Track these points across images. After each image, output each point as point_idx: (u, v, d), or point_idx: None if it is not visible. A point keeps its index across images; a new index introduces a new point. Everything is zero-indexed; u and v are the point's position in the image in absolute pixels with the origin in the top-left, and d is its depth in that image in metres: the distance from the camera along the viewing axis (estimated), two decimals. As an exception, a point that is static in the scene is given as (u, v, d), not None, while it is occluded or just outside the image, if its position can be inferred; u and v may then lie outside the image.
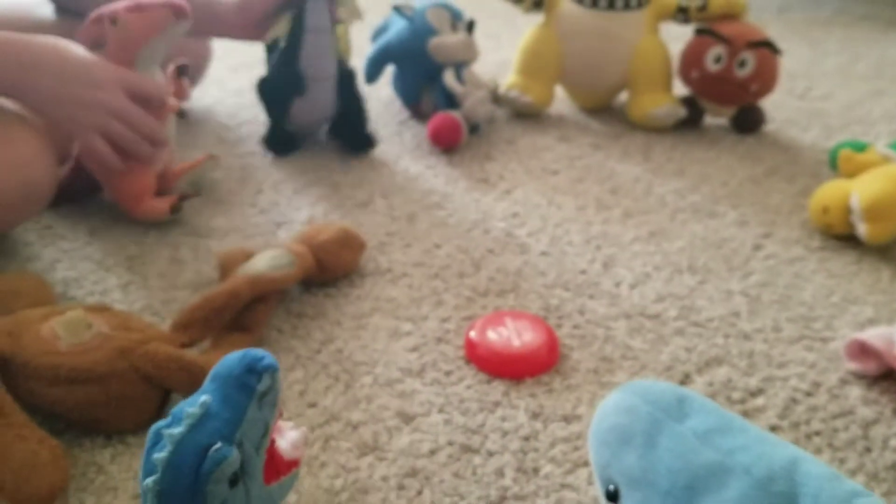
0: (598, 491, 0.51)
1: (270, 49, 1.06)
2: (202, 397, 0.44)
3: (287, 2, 1.01)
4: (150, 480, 0.39)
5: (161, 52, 0.90)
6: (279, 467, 0.49)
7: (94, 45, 0.87)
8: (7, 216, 0.80)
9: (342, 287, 0.81)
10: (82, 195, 0.95)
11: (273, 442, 0.49)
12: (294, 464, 0.50)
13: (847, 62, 1.47)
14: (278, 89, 1.05)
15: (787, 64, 1.43)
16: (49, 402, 0.61)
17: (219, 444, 0.40)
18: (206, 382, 0.46)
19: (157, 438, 0.42)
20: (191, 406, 0.43)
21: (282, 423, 0.51)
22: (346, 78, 1.07)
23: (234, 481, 0.39)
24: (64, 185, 0.90)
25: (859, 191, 0.85)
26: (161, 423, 0.43)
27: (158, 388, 0.62)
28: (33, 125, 0.81)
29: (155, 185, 0.92)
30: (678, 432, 0.48)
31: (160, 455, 0.39)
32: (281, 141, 1.09)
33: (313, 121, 1.10)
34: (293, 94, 1.04)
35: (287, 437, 0.51)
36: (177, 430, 0.40)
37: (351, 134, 1.10)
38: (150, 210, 0.90)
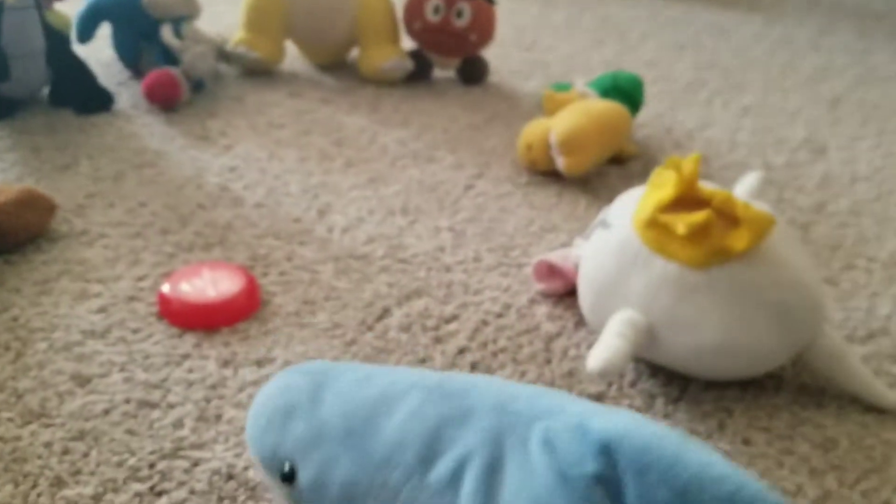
0: (269, 486, 0.47)
1: None
2: None
3: None
4: None
5: None
6: None
7: None
8: None
9: (27, 252, 0.75)
10: None
11: None
12: None
13: (574, 16, 1.54)
14: None
15: (518, 19, 1.49)
16: None
17: None
18: None
19: None
20: None
21: None
22: (56, 44, 1.00)
23: None
24: None
25: (556, 127, 0.89)
26: None
27: None
28: None
29: None
30: (340, 384, 0.46)
31: None
32: None
33: (25, 93, 1.03)
34: None
35: None
36: None
37: (82, 95, 1.04)
38: None
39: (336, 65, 1.23)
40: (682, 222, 0.58)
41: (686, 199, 0.61)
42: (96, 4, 1.11)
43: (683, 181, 0.61)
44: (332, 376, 0.47)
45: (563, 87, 1.01)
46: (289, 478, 0.45)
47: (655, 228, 0.60)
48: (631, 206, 0.64)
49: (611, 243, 0.63)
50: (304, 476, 0.44)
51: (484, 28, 1.14)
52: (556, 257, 0.71)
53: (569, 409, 0.42)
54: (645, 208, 0.61)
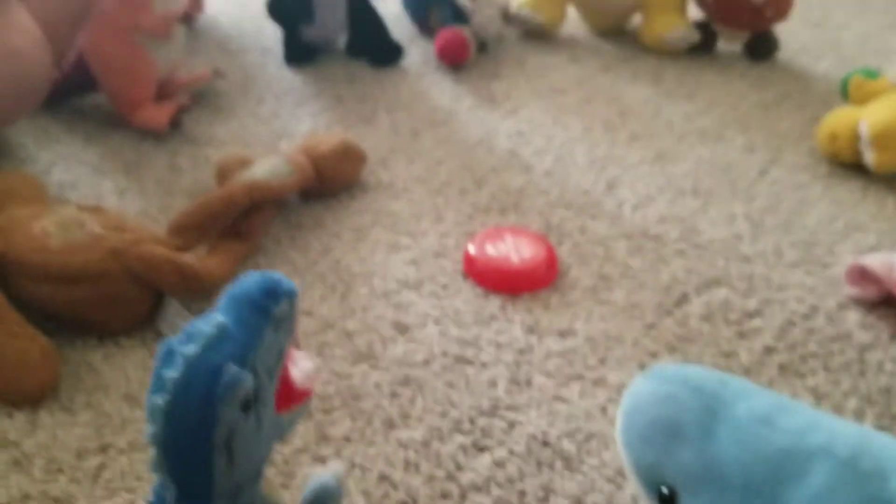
0: (641, 494, 0.45)
1: None
2: (218, 317, 0.42)
3: None
4: (159, 399, 0.38)
5: None
6: (291, 396, 0.47)
7: None
8: (1, 111, 0.78)
9: (342, 199, 0.81)
10: (80, 94, 0.93)
11: (286, 370, 0.47)
12: (306, 394, 0.48)
13: (867, -8, 1.42)
14: (287, 12, 1.05)
15: (806, -9, 1.39)
16: (39, 300, 0.60)
17: (233, 367, 0.39)
18: (222, 302, 0.44)
19: (169, 356, 0.40)
20: (206, 325, 0.41)
21: (296, 352, 0.50)
22: None
23: (246, 406, 0.38)
24: (62, 82, 0.87)
25: (868, 118, 0.83)
26: (173, 339, 0.41)
27: (151, 289, 0.62)
28: (27, 17, 0.78)
29: (154, 92, 0.90)
30: (736, 419, 0.42)
31: (171, 374, 0.38)
32: (298, 52, 1.08)
33: (325, 37, 1.10)
34: (302, 20, 1.05)
35: (301, 367, 0.50)
36: (190, 350, 0.39)
37: (375, 47, 1.10)
38: (148, 119, 0.88)
39: (615, 31, 1.21)
40: None
41: None
42: (394, -40, 1.16)
43: None
44: (724, 403, 0.43)
45: (871, 73, 0.94)
46: (667, 501, 0.43)
47: None
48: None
49: (955, 259, 0.58)
50: None
51: (782, 3, 1.08)
52: (875, 263, 0.67)
53: None
54: None
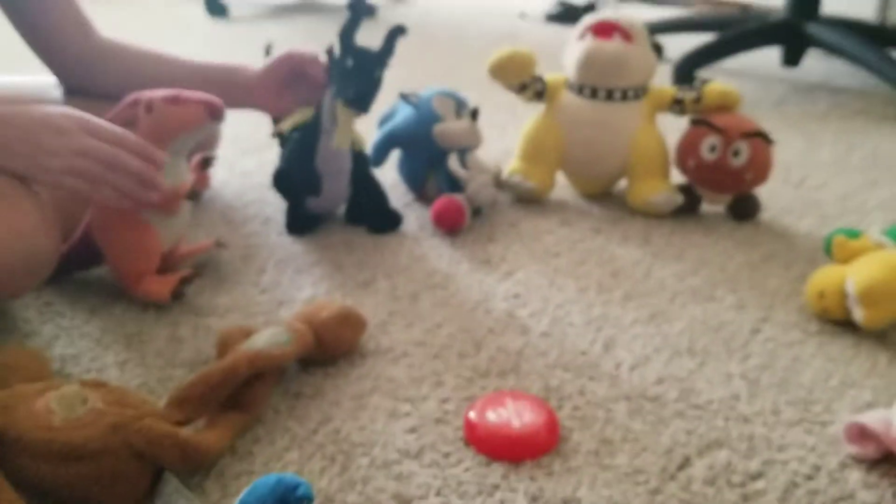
0: None
1: (284, 140, 1.09)
2: None
3: (304, 80, 1.07)
4: None
5: (190, 145, 0.92)
6: None
7: (125, 125, 0.88)
8: (7, 286, 0.80)
9: (342, 366, 0.81)
10: (84, 267, 0.96)
11: None
12: None
13: (842, 153, 1.49)
14: (294, 185, 1.09)
15: (783, 154, 1.46)
16: (40, 478, 0.60)
17: None
18: None
19: None
20: None
21: None
22: (359, 164, 1.10)
23: None
24: (67, 256, 0.90)
25: (854, 276, 0.85)
26: None
27: (151, 465, 0.62)
28: (38, 196, 0.82)
29: (158, 265, 0.92)
30: None
31: None
32: (300, 222, 1.12)
33: (329, 208, 1.14)
34: (309, 193, 1.08)
35: None
36: None
37: (375, 215, 1.13)
38: (151, 292, 0.90)
39: (603, 195, 1.26)
40: None
41: None
42: (392, 133, 1.22)
43: None
44: None
45: (853, 233, 0.97)
46: None
47: None
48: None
49: (951, 417, 0.59)
50: None
51: (761, 168, 1.13)
52: (874, 422, 0.67)
53: None
54: None
